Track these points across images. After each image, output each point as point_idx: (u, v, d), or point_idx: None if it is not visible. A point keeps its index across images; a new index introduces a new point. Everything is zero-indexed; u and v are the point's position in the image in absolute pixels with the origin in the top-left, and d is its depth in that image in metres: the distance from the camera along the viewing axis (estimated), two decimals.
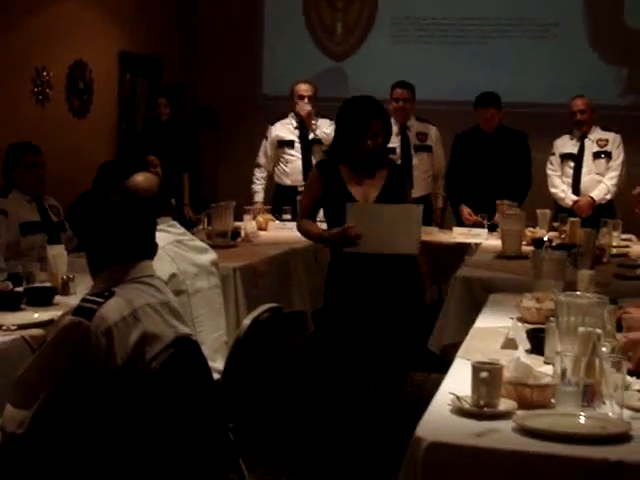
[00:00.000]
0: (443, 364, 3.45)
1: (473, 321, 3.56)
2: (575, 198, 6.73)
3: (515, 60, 8.58)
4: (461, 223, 6.55)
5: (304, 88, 7.07)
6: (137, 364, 2.52)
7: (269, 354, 3.54)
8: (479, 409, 2.27)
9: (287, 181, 7.06)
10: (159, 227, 3.49)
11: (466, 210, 6.63)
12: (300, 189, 6.85)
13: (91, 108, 7.57)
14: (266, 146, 7.12)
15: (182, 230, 3.77)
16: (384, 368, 4.15)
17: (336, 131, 4.23)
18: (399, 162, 6.89)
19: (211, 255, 3.84)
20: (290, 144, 7.08)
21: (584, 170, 6.78)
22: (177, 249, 3.61)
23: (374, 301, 4.06)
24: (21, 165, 5.11)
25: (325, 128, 7.04)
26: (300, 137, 7.06)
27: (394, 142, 6.88)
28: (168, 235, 3.60)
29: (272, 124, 7.12)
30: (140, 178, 3.67)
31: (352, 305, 4.09)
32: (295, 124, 7.09)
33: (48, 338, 2.61)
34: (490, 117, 6.66)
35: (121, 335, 2.51)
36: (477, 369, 2.30)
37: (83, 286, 3.79)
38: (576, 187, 6.78)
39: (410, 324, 4.17)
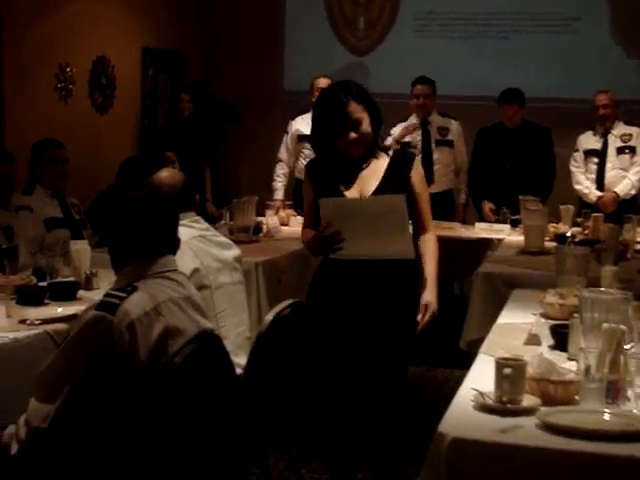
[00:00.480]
0: (466, 360, 3.44)
1: (496, 317, 3.56)
2: (599, 194, 6.69)
3: (537, 55, 8.54)
4: (483, 219, 6.53)
5: (324, 82, 7.07)
6: (160, 359, 2.53)
7: (291, 349, 3.54)
8: (502, 405, 2.26)
9: None
10: (183, 222, 3.51)
11: (488, 206, 6.61)
12: None
13: (114, 103, 7.61)
14: (287, 141, 7.12)
15: (206, 225, 3.78)
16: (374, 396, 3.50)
17: (312, 129, 3.55)
18: (419, 156, 6.91)
19: (235, 251, 3.85)
20: (310, 139, 7.06)
21: (608, 166, 6.74)
22: (201, 244, 3.63)
23: (361, 318, 3.41)
24: (44, 161, 5.16)
25: None
26: None
27: (416, 136, 6.89)
28: (192, 230, 3.61)
29: (293, 118, 7.12)
30: (164, 174, 3.69)
31: (335, 324, 3.44)
32: None
33: (71, 333, 2.62)
34: (513, 114, 6.63)
35: (144, 330, 2.52)
36: (501, 365, 2.30)
37: (106, 281, 3.81)
38: (600, 183, 6.74)
39: (405, 344, 3.48)
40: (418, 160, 3.55)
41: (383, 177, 3.44)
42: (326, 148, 3.46)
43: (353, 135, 3.35)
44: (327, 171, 3.48)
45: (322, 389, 3.55)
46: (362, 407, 3.50)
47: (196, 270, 3.51)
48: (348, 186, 3.44)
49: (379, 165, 3.47)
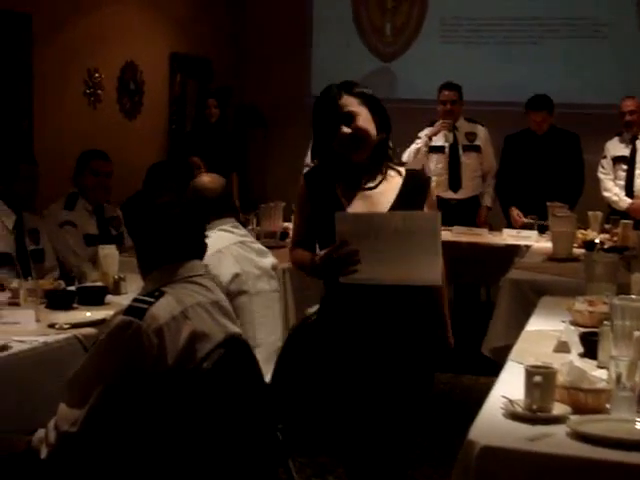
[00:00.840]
0: (492, 367, 3.42)
1: (523, 324, 3.53)
2: (629, 201, 6.64)
3: (565, 60, 8.50)
4: (511, 225, 6.50)
5: None
6: (188, 363, 2.54)
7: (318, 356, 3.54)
8: (532, 413, 2.24)
9: None
10: (224, 227, 3.53)
11: (515, 212, 6.59)
12: None
13: (142, 109, 7.65)
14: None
15: (245, 232, 3.80)
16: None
17: (313, 137, 3.11)
18: (445, 162, 6.89)
19: (272, 259, 3.86)
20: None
21: (637, 172, 6.69)
22: (241, 250, 3.64)
23: (379, 351, 2.97)
24: (87, 171, 5.19)
25: None
26: None
27: (443, 142, 6.88)
28: (232, 236, 3.63)
29: None
30: (207, 178, 3.72)
31: (349, 358, 2.98)
32: None
33: (100, 337, 2.63)
34: (541, 121, 6.60)
35: (172, 334, 2.53)
36: (531, 373, 2.28)
37: (134, 286, 3.82)
38: (629, 189, 6.70)
39: (426, 386, 3.10)
40: (433, 185, 3.22)
41: (398, 195, 3.01)
42: (326, 154, 3.03)
43: (345, 129, 2.93)
44: (328, 183, 3.03)
45: (335, 414, 3.12)
46: (376, 435, 3.04)
47: (237, 275, 3.53)
48: (351, 201, 3.00)
49: (391, 185, 3.03)
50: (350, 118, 2.95)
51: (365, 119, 2.97)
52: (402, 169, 3.08)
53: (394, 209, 2.96)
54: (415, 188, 3.04)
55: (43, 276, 4.49)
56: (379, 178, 3.02)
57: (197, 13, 8.45)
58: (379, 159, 3.03)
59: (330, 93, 3.00)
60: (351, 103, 2.96)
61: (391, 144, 3.10)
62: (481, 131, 6.95)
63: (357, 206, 2.98)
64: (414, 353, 3.00)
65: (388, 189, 3.01)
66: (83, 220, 5.12)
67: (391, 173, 3.05)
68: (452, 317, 3.23)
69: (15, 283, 3.87)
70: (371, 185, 3.01)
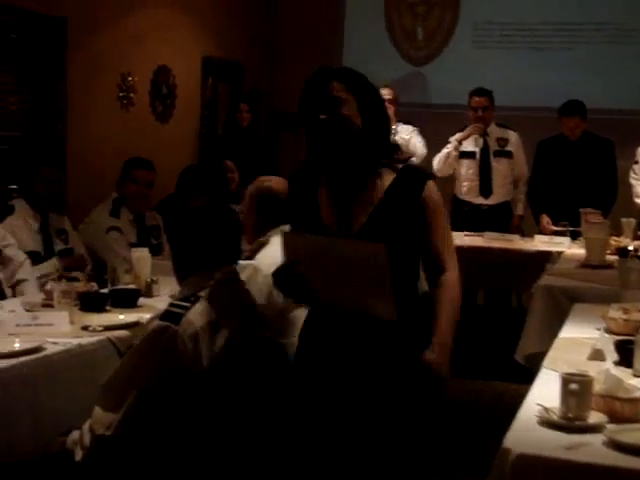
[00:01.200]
0: (523, 374, 3.41)
1: (556, 331, 3.50)
2: None
3: (598, 66, 8.43)
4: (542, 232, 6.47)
5: (384, 92, 7.08)
6: (223, 367, 2.54)
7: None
8: (569, 422, 2.23)
9: None
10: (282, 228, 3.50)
11: (545, 219, 6.54)
12: None
13: (174, 112, 7.67)
14: None
15: None
16: None
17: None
18: (476, 167, 6.86)
19: None
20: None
21: None
22: None
23: (350, 386, 2.58)
24: (129, 179, 5.23)
25: (404, 134, 7.01)
26: None
27: (474, 147, 6.86)
28: None
29: None
30: (276, 179, 3.68)
31: (322, 390, 2.61)
32: None
33: (135, 342, 2.65)
34: (574, 126, 6.54)
35: (207, 339, 2.53)
36: (566, 380, 2.26)
37: (166, 288, 3.85)
38: None
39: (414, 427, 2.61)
40: (432, 183, 2.69)
41: (381, 201, 2.61)
42: (310, 149, 2.67)
43: (322, 117, 2.57)
44: (311, 185, 2.70)
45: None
46: None
47: None
48: (332, 212, 2.63)
49: (381, 185, 2.64)
50: (335, 104, 2.58)
51: (351, 108, 2.59)
52: (401, 165, 2.70)
53: (373, 218, 2.60)
54: (408, 186, 2.64)
55: (72, 270, 4.57)
56: (370, 179, 2.63)
57: (229, 17, 8.47)
58: (371, 157, 2.63)
59: (319, 76, 2.64)
60: (338, 88, 2.59)
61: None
62: (513, 136, 6.91)
63: (333, 214, 2.63)
64: (389, 389, 2.57)
65: (376, 191, 2.63)
66: (125, 227, 5.16)
67: (385, 171, 2.66)
68: (482, 323, 3.13)
69: (49, 285, 3.90)
70: (357, 187, 2.62)
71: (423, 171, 2.88)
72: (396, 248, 2.53)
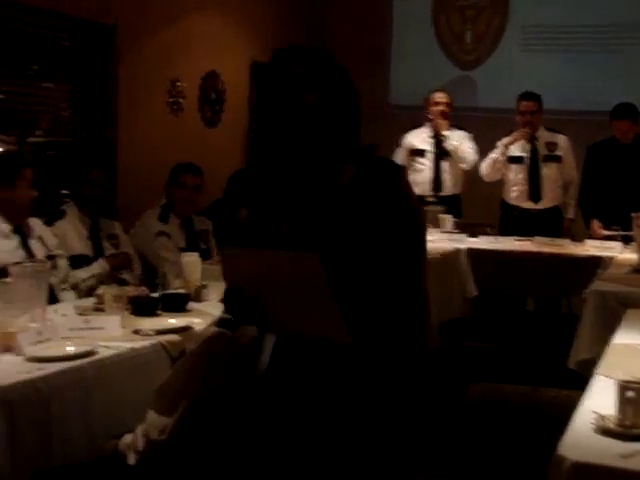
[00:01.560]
0: (574, 380, 3.37)
1: (608, 336, 3.46)
2: None
3: None
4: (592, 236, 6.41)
5: (439, 95, 7.09)
6: (278, 372, 2.54)
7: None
8: (625, 429, 2.20)
9: (416, 190, 7.02)
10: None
11: (596, 224, 6.48)
12: (428, 199, 6.83)
13: (222, 118, 7.71)
14: (399, 153, 7.13)
15: None
16: None
17: None
18: (525, 172, 6.80)
19: None
20: (421, 153, 7.08)
21: None
22: None
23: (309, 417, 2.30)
24: (176, 184, 5.28)
25: (455, 140, 6.98)
26: (434, 147, 7.04)
27: (521, 152, 6.80)
28: None
29: (408, 132, 7.16)
30: None
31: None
32: (430, 134, 7.07)
33: (188, 347, 2.65)
34: (626, 129, 6.48)
35: (264, 345, 2.53)
36: (623, 388, 2.23)
37: (215, 293, 3.86)
38: None
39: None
40: (406, 177, 2.36)
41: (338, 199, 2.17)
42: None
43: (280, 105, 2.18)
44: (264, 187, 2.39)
45: None
46: None
47: None
48: (290, 215, 2.24)
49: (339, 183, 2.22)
50: (295, 92, 2.19)
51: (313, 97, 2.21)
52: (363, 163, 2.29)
53: (326, 217, 2.16)
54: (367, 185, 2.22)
55: (119, 270, 4.70)
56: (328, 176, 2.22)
57: (278, 22, 8.50)
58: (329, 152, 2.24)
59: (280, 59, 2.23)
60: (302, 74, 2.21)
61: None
62: (562, 140, 6.86)
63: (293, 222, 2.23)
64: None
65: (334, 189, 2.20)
66: (174, 232, 5.20)
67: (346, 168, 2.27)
68: (532, 329, 3.09)
69: (101, 289, 3.94)
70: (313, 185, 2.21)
71: (394, 162, 2.46)
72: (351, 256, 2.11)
